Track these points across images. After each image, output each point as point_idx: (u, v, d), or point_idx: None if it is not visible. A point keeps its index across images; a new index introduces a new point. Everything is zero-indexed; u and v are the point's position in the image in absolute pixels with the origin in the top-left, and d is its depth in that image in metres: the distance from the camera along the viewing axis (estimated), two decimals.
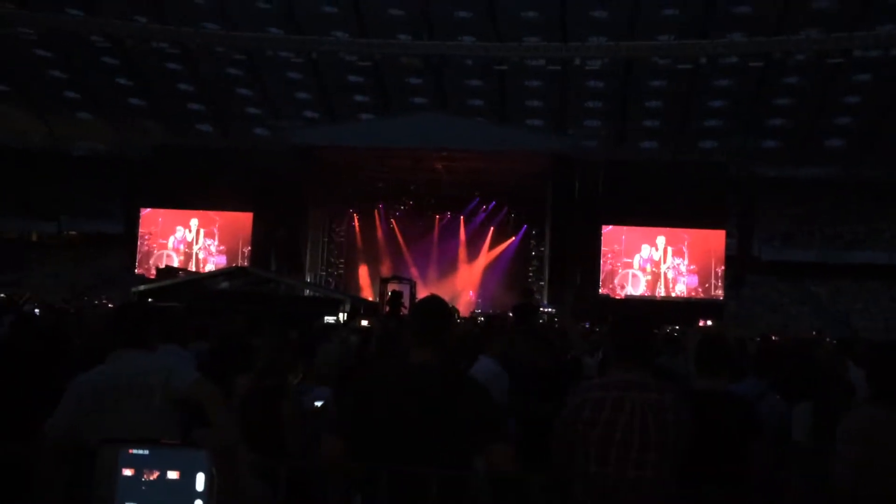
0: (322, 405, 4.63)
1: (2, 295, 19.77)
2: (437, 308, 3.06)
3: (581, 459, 2.90)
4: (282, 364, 4.34)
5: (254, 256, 28.16)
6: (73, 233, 36.33)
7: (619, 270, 27.58)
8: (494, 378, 4.89)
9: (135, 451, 1.65)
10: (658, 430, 2.86)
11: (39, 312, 11.77)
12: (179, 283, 18.74)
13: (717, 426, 3.27)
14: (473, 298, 30.49)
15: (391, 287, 19.76)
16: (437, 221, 32.19)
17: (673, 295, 27.23)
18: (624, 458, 2.84)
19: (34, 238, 36.67)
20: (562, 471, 3.01)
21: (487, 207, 31.13)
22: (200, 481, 1.62)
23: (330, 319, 13.81)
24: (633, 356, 3.01)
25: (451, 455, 2.73)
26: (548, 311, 21.85)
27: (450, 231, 32.17)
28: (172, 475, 1.63)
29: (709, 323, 24.58)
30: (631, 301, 26.71)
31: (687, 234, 27.41)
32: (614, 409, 2.88)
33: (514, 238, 31.55)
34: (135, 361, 3.28)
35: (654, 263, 27.56)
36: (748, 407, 3.53)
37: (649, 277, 27.54)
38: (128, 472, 1.63)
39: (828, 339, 13.74)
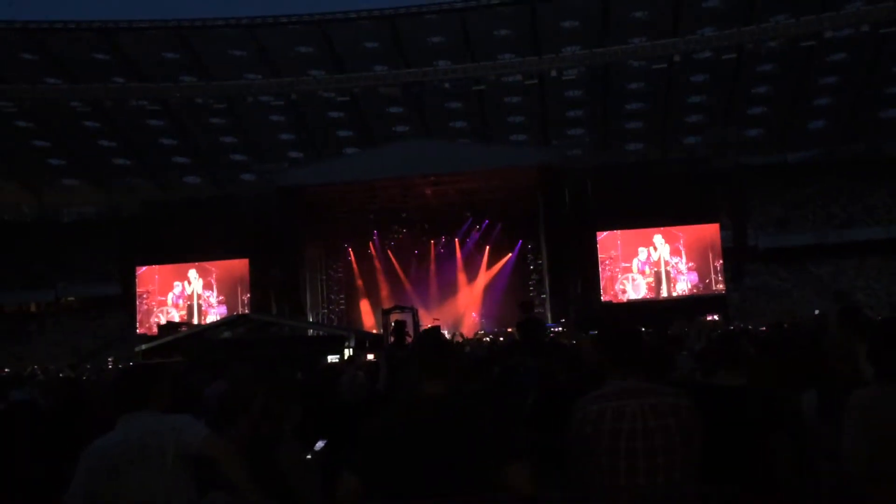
0: (323, 448, 4.54)
1: (6, 370, 19.69)
2: (440, 339, 3.11)
3: (593, 473, 2.90)
4: (278, 410, 4.25)
5: (254, 302, 28.02)
6: (72, 299, 36.22)
7: (619, 276, 27.55)
8: None
9: None
10: (662, 435, 2.86)
11: (45, 383, 11.67)
12: (182, 337, 18.69)
13: (737, 421, 3.26)
14: (477, 319, 30.45)
15: (393, 317, 19.69)
16: (432, 246, 32.22)
17: (675, 294, 27.21)
18: (633, 466, 2.84)
19: (33, 308, 36.57)
20: (579, 488, 3.00)
21: (481, 227, 31.11)
22: None
23: (333, 358, 13.67)
24: (626, 363, 3.02)
25: (471, 483, 2.74)
26: (554, 330, 21.79)
27: (446, 254, 32.18)
28: None
29: (716, 318, 24.58)
30: (634, 305, 26.68)
31: (682, 232, 27.43)
32: (615, 419, 2.88)
33: (510, 255, 31.55)
34: (145, 424, 3.26)
35: (652, 265, 27.55)
36: (768, 400, 3.51)
37: (650, 279, 27.51)
38: None
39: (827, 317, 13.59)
